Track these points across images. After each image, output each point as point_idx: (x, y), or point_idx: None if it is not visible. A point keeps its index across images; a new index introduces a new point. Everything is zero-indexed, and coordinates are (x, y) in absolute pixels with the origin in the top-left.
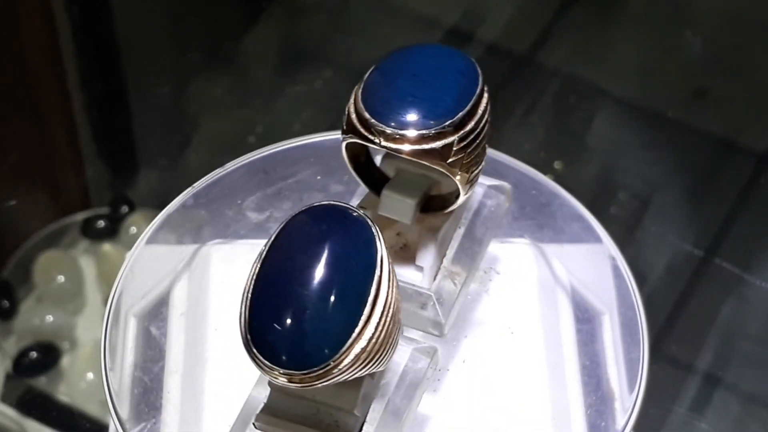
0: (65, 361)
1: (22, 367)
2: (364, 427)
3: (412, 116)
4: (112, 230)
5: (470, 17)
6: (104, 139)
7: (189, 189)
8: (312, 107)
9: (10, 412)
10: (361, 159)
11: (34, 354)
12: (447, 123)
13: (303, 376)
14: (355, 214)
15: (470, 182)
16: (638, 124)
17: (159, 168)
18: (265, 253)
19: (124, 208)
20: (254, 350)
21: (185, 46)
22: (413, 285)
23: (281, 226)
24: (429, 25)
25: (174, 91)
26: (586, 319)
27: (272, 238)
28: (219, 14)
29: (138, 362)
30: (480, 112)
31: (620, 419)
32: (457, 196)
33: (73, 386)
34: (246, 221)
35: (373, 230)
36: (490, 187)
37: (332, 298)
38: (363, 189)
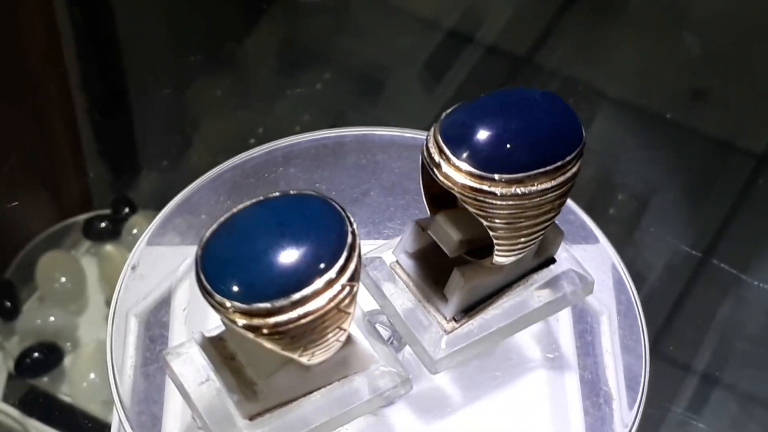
0: (67, 361)
1: (24, 367)
2: None
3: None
4: (114, 231)
5: (470, 18)
6: (106, 140)
7: (187, 189)
8: (312, 108)
9: (13, 412)
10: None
11: (36, 354)
12: None
13: None
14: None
15: None
16: (637, 125)
17: (160, 169)
18: None
19: (126, 210)
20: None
21: (186, 47)
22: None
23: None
24: (429, 26)
25: (175, 93)
26: (585, 320)
27: None
28: (220, 16)
29: (140, 362)
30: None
31: (619, 419)
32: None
33: (75, 386)
34: None
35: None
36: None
37: None
38: None
